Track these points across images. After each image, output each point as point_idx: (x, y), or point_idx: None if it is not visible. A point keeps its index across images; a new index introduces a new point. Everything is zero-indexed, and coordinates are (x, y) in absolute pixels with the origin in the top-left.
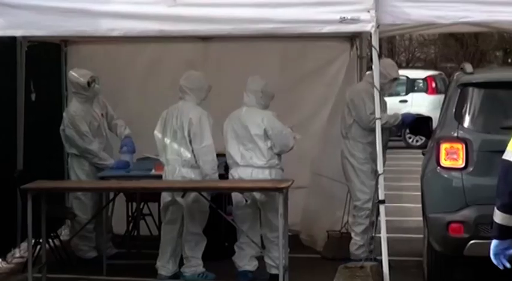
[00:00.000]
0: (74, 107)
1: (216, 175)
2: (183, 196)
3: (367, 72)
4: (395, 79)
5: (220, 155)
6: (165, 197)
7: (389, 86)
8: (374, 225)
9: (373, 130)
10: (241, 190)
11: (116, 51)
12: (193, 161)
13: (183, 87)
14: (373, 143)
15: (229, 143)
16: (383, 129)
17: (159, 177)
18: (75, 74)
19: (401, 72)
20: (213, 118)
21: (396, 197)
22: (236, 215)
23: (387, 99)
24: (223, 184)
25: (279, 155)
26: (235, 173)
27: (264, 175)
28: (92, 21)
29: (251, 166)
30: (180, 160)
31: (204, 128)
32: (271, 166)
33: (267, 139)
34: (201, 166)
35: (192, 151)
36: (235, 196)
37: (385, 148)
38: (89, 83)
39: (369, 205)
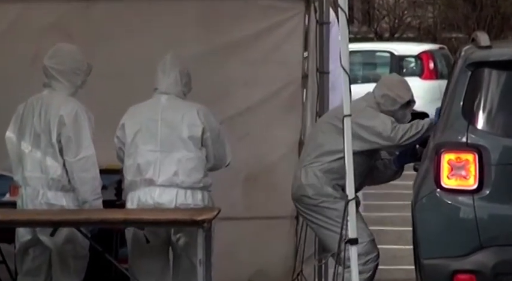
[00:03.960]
0: None
1: (99, 202)
2: (52, 234)
3: (367, 92)
4: (410, 102)
5: (109, 171)
6: (23, 235)
7: (403, 113)
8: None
9: (400, 146)
10: (142, 225)
11: None
12: (66, 180)
13: (49, 69)
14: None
15: (139, 149)
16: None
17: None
18: None
19: (384, 46)
20: (97, 114)
21: (376, 234)
22: (133, 261)
23: (360, 87)
24: (116, 215)
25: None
26: (147, 196)
27: (196, 199)
28: None
29: (176, 186)
30: (44, 178)
31: (82, 130)
32: (205, 185)
33: (202, 144)
34: (76, 188)
35: (64, 165)
36: (135, 234)
37: (364, 173)
38: None
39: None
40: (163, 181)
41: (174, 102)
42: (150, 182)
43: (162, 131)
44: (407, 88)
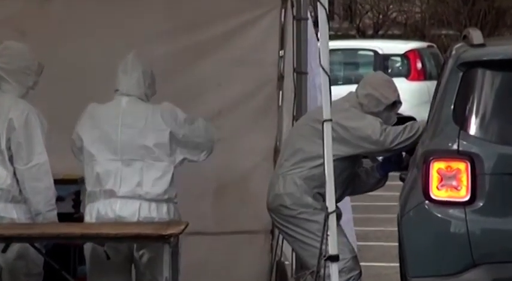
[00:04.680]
0: None
1: (54, 213)
2: (4, 250)
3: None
4: (395, 103)
5: (66, 181)
6: None
7: (388, 115)
8: None
9: (390, 151)
10: (102, 240)
11: None
12: (16, 190)
13: None
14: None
15: (97, 157)
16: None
17: None
18: None
19: (367, 44)
20: (53, 119)
21: (358, 250)
22: (93, 280)
23: (341, 89)
24: (73, 229)
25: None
26: (107, 208)
27: (161, 213)
28: None
29: (139, 198)
30: None
31: (33, 135)
32: (170, 197)
33: (174, 150)
34: (28, 199)
35: (14, 173)
36: (94, 250)
37: (346, 181)
38: None
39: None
40: (125, 192)
41: (136, 105)
42: (111, 194)
43: (123, 138)
44: (393, 88)
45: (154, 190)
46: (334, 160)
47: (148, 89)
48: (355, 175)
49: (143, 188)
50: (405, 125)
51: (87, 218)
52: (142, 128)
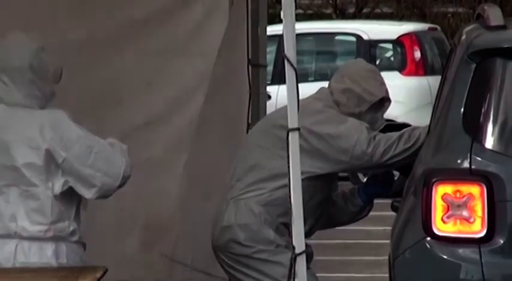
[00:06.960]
0: None
1: None
2: None
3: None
4: (383, 100)
5: None
6: None
7: (374, 117)
8: None
9: (379, 167)
10: None
11: None
12: None
13: None
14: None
15: None
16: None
17: None
18: None
19: (347, 26)
20: None
21: None
22: None
23: (313, 87)
24: None
25: (77, 212)
26: None
27: (44, 256)
28: None
29: (15, 236)
30: None
31: None
32: (60, 235)
33: (54, 173)
34: None
35: None
36: None
37: (319, 208)
38: None
39: None
40: None
41: (11, 113)
42: None
43: None
44: (380, 80)
45: (33, 225)
46: (302, 180)
47: (30, 89)
48: (330, 200)
49: (18, 222)
50: (401, 132)
51: None
52: (11, 143)
